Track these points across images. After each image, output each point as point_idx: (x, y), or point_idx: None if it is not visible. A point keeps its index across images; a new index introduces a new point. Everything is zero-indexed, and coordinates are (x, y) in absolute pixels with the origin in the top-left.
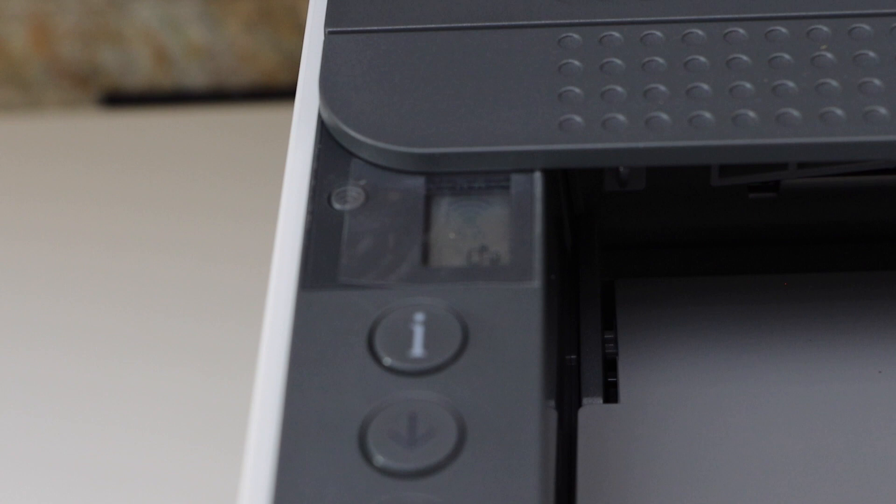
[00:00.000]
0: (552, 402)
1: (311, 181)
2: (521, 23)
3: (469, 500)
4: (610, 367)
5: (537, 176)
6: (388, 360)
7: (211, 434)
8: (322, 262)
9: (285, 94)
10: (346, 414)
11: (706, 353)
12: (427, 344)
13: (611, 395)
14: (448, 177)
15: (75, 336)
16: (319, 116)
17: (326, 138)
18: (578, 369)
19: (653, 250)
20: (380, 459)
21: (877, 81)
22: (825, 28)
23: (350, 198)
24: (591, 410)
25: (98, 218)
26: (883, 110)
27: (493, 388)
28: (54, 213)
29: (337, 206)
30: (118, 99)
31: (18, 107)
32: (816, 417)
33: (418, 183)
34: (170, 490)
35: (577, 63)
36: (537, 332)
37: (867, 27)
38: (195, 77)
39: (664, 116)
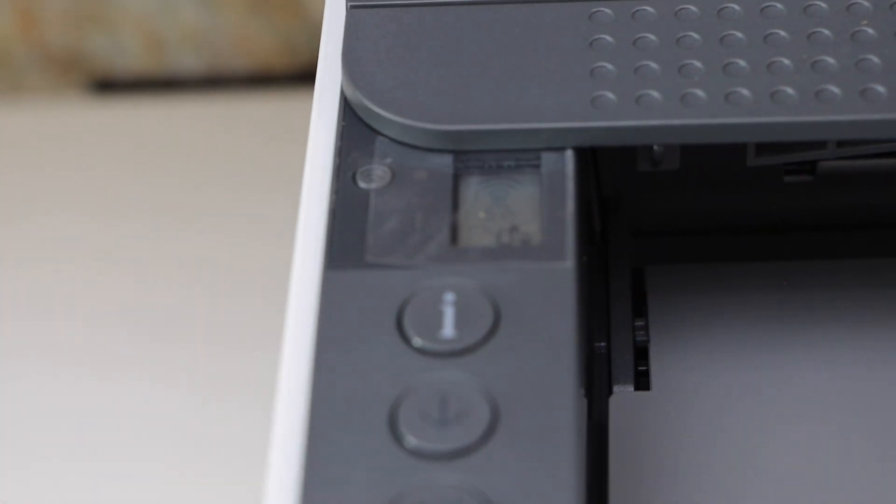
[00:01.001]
0: (582, 391)
1: (334, 160)
2: None
3: (502, 483)
4: (641, 355)
5: (569, 154)
6: (417, 341)
7: (211, 456)
8: (348, 242)
9: (284, 81)
10: (376, 395)
11: (740, 341)
12: (458, 325)
13: (642, 383)
14: (476, 155)
15: (62, 343)
16: (342, 93)
17: (350, 115)
18: (609, 357)
19: (684, 236)
20: (411, 441)
21: None
22: (866, 3)
23: (376, 176)
24: (622, 398)
25: (86, 211)
26: None
27: (527, 369)
28: (39, 207)
29: (362, 184)
30: (108, 85)
31: (2, 93)
32: (852, 404)
33: (446, 161)
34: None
35: (609, 39)
36: (571, 312)
37: None
38: (190, 63)
39: (700, 93)
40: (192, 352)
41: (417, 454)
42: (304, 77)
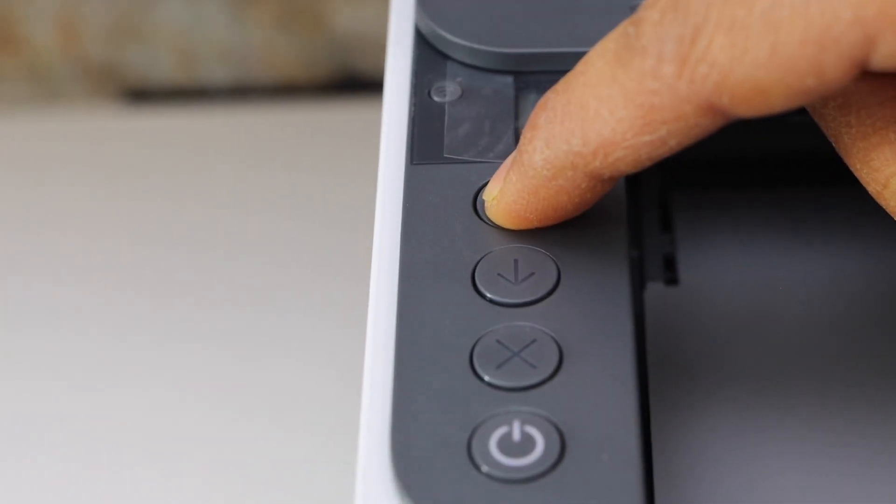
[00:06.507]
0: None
1: (411, 80)
2: None
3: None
4: (668, 265)
5: None
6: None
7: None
8: (427, 142)
9: (306, 93)
10: (458, 260)
11: (762, 249)
12: None
13: (670, 282)
14: (534, 76)
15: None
16: (415, 26)
17: (422, 45)
18: (641, 261)
19: (708, 167)
20: (488, 294)
21: None
22: None
23: (448, 92)
24: (655, 291)
25: (123, 213)
26: None
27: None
28: (76, 209)
29: (437, 98)
30: (142, 95)
31: (42, 102)
32: (872, 302)
33: (507, 81)
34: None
35: None
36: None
37: None
38: (218, 76)
39: None
40: (206, 359)
41: (494, 302)
42: (325, 89)
